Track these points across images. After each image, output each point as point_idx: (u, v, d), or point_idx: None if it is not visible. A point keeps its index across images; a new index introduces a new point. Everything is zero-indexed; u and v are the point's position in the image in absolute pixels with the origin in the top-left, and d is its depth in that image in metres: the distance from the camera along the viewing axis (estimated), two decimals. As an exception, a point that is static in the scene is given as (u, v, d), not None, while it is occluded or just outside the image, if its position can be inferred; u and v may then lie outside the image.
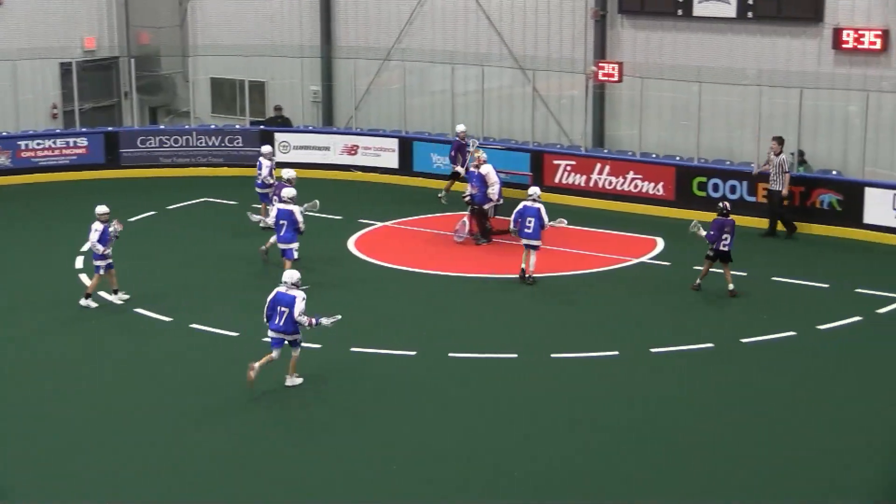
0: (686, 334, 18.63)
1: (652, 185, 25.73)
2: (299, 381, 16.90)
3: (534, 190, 21.43)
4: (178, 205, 27.09)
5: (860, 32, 24.42)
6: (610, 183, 26.11)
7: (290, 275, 16.77)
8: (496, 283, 21.61)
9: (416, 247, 23.72)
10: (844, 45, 24.63)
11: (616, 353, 17.95)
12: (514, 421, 15.76)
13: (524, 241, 21.22)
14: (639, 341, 18.37)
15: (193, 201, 27.44)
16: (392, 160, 29.08)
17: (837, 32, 24.66)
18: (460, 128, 26.02)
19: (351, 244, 23.80)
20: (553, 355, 17.85)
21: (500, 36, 29.00)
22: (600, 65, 26.55)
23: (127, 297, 20.32)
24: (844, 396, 16.51)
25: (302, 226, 20.95)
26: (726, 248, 20.15)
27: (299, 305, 16.42)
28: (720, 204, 20.46)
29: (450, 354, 17.90)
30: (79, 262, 22.64)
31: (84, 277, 21.71)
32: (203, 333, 18.91)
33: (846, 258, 22.72)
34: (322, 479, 14.19)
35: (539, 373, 17.39)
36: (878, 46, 24.32)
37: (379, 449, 14.96)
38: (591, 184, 26.31)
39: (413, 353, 17.99)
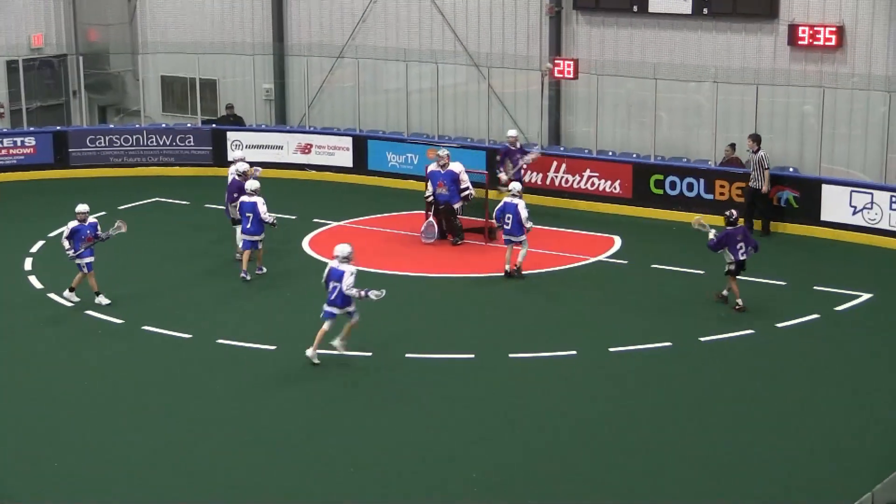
0: (644, 333, 18.50)
1: (609, 182, 25.58)
2: (345, 351, 17.39)
3: (514, 185, 21.42)
4: (129, 205, 26.61)
5: (815, 29, 24.39)
6: (567, 181, 25.93)
7: (341, 249, 17.32)
8: (455, 282, 21.39)
9: (372, 246, 23.42)
10: (800, 42, 24.59)
11: (574, 352, 17.79)
12: (470, 422, 15.56)
13: (504, 238, 21.16)
14: (597, 341, 18.22)
15: (145, 201, 27.00)
16: (346, 159, 28.79)
17: (793, 29, 24.63)
18: (511, 133, 25.22)
19: (306, 244, 23.49)
20: (511, 355, 17.68)
21: (454, 33, 28.78)
22: (556, 62, 26.38)
23: (77, 300, 19.95)
24: (802, 395, 16.42)
25: (267, 216, 20.96)
26: (745, 258, 19.33)
27: (347, 280, 16.98)
28: (727, 213, 19.45)
29: (407, 355, 17.69)
30: (27, 265, 22.19)
31: (34, 280, 21.29)
32: (155, 335, 18.59)
33: (804, 255, 22.69)
34: (278, 484, 13.94)
35: (497, 373, 17.20)
36: (833, 42, 24.30)
37: (334, 452, 14.72)
38: (548, 182, 26.12)
39: (369, 354, 17.75)
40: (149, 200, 27.03)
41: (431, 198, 23.32)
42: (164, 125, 30.41)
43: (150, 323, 19.01)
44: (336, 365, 17.41)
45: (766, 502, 13.53)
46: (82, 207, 19.91)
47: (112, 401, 16.35)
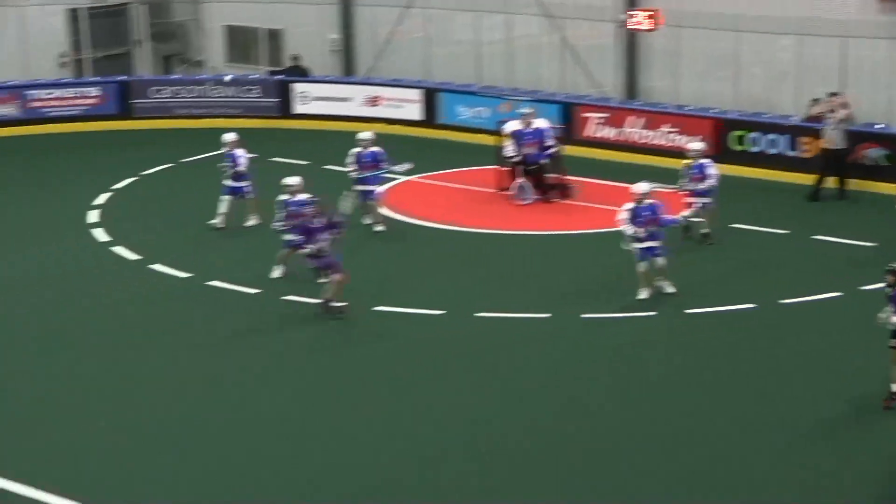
0: (728, 294, 17.78)
1: (688, 138, 24.65)
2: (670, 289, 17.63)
3: (697, 145, 20.17)
4: (193, 157, 26.15)
5: (906, -22, 23.33)
6: (644, 136, 25.07)
7: (637, 186, 17.65)
8: (532, 240, 20.80)
9: (444, 203, 22.81)
10: (890, -9, 23.56)
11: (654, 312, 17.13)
12: (543, 385, 15.04)
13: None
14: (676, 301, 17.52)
15: (210, 154, 26.48)
16: (415, 112, 28.11)
17: (883, -22, 23.58)
18: None
19: (374, 198, 22.94)
20: (583, 316, 17.10)
21: (526, -18, 27.96)
22: (632, 13, 25.45)
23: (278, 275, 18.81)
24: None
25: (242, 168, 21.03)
26: None
27: (621, 215, 17.54)
28: (889, 266, 14.65)
29: (476, 314, 17.17)
30: (93, 216, 21.85)
31: (99, 233, 20.93)
32: (220, 290, 18.34)
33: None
34: (333, 440, 13.51)
35: (570, 333, 16.64)
36: (925, -7, 23.24)
37: (405, 412, 14.29)
38: (624, 137, 25.26)
39: (441, 312, 17.27)
40: (214, 153, 26.42)
41: (518, 158, 22.47)
42: (229, 75, 29.90)
43: (216, 278, 18.73)
44: (403, 323, 16.96)
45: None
46: (294, 180, 18.24)
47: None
